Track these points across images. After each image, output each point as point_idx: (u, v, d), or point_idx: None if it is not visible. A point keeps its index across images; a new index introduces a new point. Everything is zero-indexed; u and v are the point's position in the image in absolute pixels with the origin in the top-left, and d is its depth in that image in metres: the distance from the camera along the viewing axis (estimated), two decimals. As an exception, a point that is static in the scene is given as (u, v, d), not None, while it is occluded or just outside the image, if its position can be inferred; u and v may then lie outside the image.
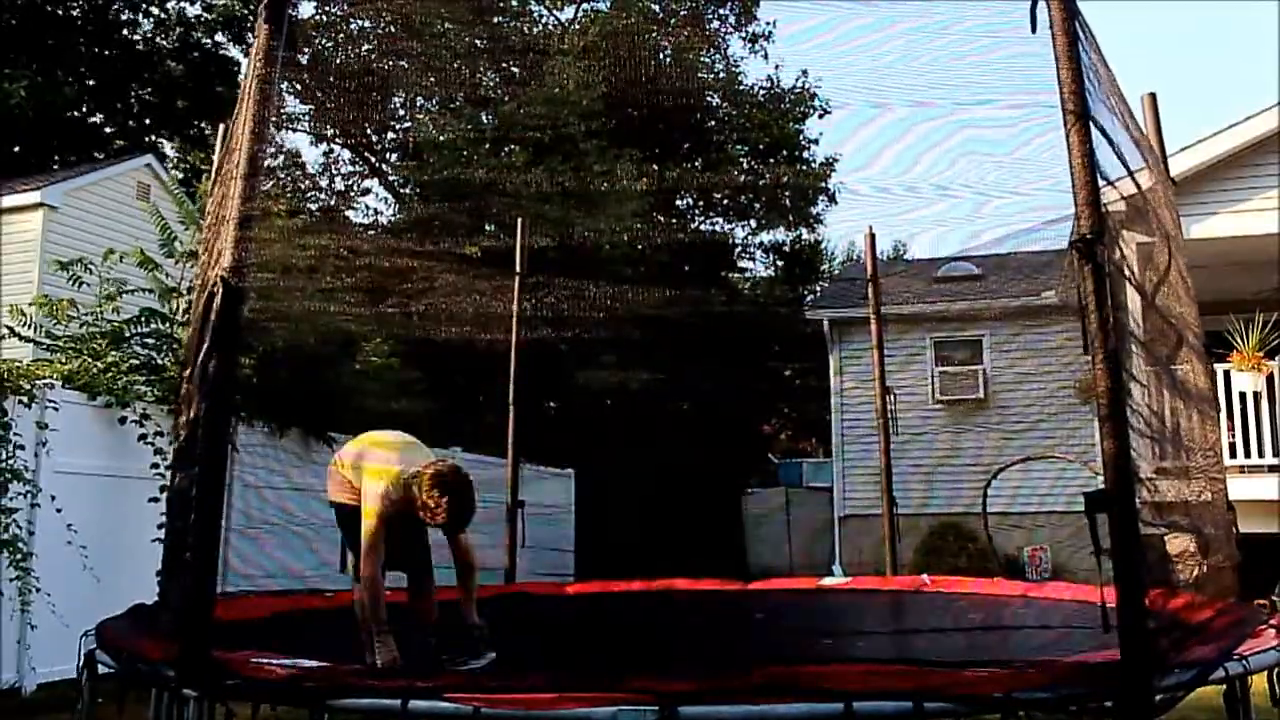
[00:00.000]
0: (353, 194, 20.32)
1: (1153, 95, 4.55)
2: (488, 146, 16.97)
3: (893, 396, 7.33)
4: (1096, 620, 3.01)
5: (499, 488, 7.36)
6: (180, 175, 16.94)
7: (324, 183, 20.10)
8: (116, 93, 19.23)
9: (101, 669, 3.18)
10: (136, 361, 8.08)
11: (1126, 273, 3.10)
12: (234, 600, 4.72)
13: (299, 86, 16.73)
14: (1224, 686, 2.96)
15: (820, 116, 20.95)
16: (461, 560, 4.29)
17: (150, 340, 8.27)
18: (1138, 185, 3.45)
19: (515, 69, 18.75)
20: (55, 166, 16.74)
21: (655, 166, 17.00)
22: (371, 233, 17.32)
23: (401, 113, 19.42)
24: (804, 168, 20.58)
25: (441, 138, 17.03)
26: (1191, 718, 3.32)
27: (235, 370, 2.87)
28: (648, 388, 14.91)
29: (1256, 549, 4.93)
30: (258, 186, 2.79)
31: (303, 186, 19.34)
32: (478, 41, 18.16)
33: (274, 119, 2.92)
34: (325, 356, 9.36)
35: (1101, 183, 2.55)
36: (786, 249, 23.12)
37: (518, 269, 7.25)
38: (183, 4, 20.01)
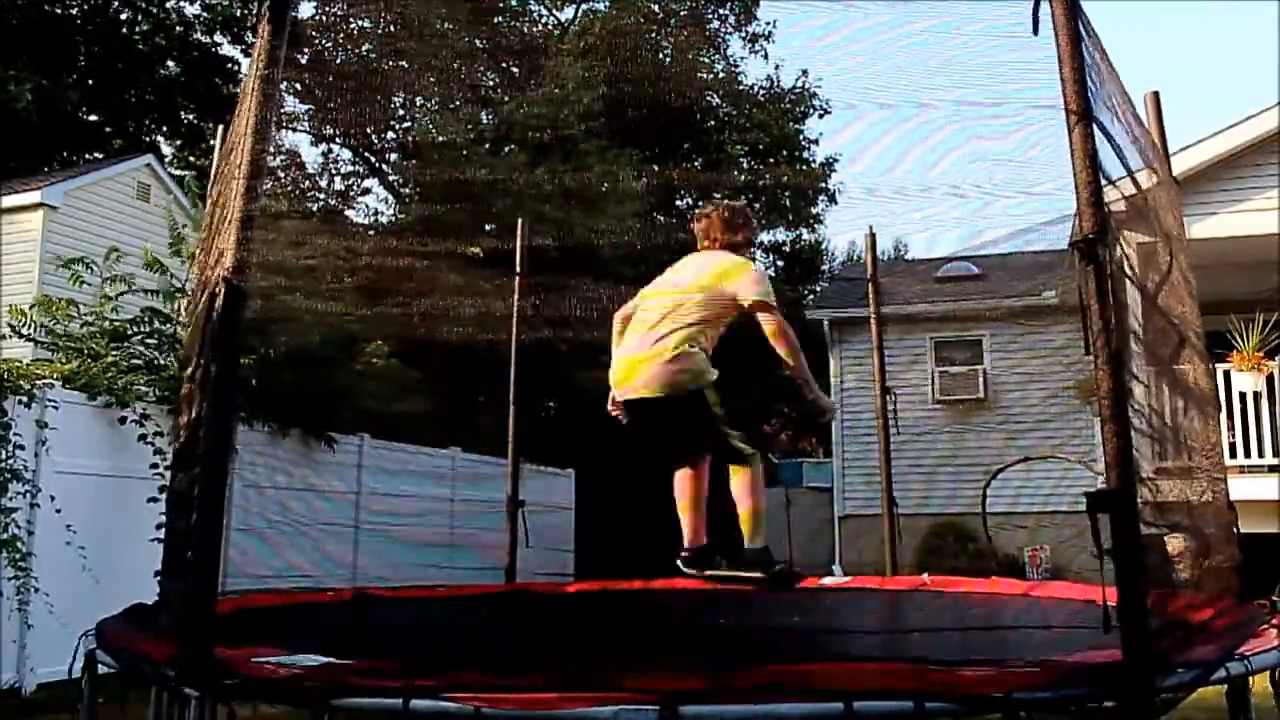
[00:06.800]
0: (353, 194, 20.33)
1: (1156, 94, 4.54)
2: (488, 146, 16.97)
3: (893, 397, 7.32)
4: (1098, 620, 3.00)
5: (499, 488, 7.36)
6: (180, 174, 16.93)
7: (324, 183, 20.11)
8: (116, 93, 19.22)
9: (102, 669, 3.18)
10: (137, 362, 8.09)
11: (1128, 272, 3.10)
12: (234, 599, 4.72)
13: (299, 86, 16.74)
14: (1225, 687, 2.95)
15: (820, 116, 20.98)
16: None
17: (152, 340, 8.28)
18: (1138, 185, 3.45)
19: (515, 69, 18.76)
20: (55, 166, 16.73)
21: (655, 166, 17.00)
22: (372, 233, 17.33)
23: (401, 113, 19.43)
24: (804, 168, 20.59)
25: (441, 138, 17.03)
26: (1191, 718, 3.32)
27: (237, 371, 2.86)
28: (648, 388, 14.84)
29: (1257, 549, 4.93)
30: (260, 187, 2.78)
31: (303, 186, 19.34)
32: (478, 41, 18.17)
33: (275, 119, 2.91)
34: (326, 357, 9.37)
35: (1103, 182, 2.55)
36: (786, 249, 23.12)
37: (518, 269, 7.23)
38: (181, 3, 20.02)
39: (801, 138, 21.06)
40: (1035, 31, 2.66)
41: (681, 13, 20.64)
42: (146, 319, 8.28)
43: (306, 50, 16.54)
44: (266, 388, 8.40)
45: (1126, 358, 2.59)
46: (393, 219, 18.71)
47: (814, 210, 21.76)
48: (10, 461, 6.58)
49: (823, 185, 20.76)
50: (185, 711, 3.01)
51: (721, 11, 21.47)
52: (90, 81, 18.92)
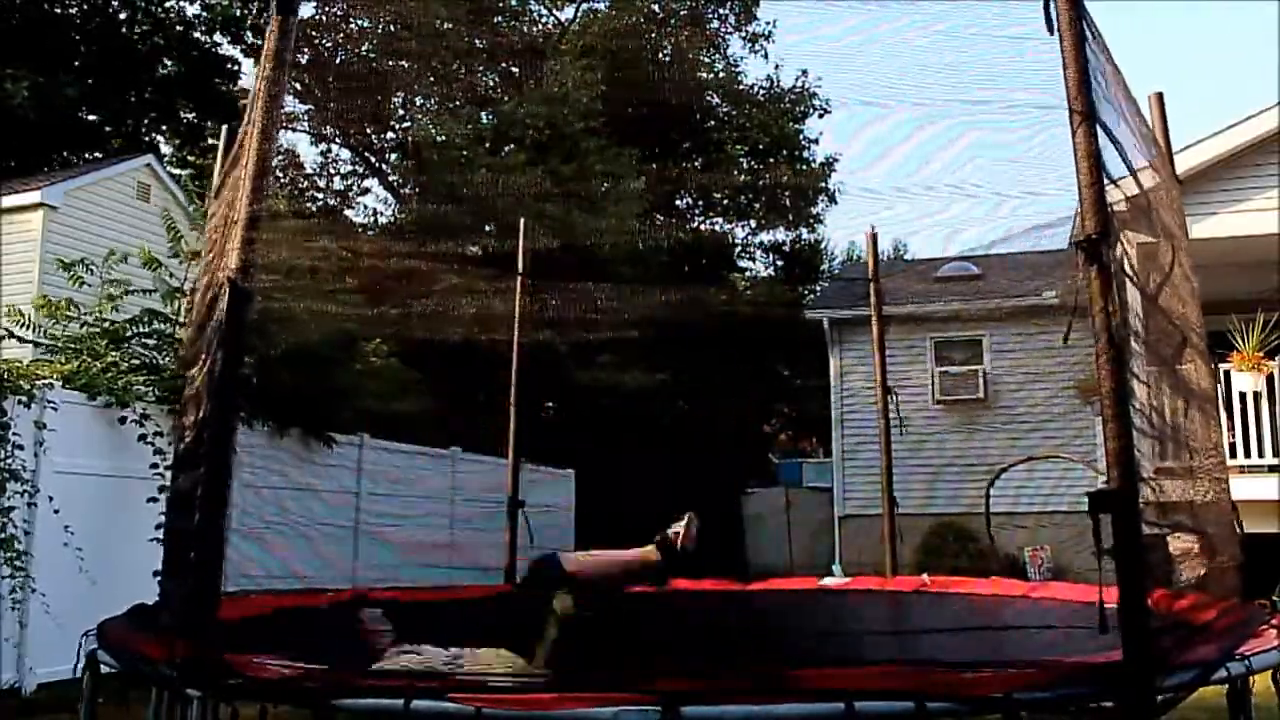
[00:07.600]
0: (352, 194, 20.32)
1: (1159, 95, 4.54)
2: (488, 146, 16.97)
3: (894, 397, 7.32)
4: (1096, 620, 3.01)
5: (499, 488, 7.37)
6: (179, 174, 16.93)
7: (323, 183, 20.10)
8: (115, 92, 19.22)
9: (103, 669, 3.17)
10: (137, 362, 8.08)
11: (1128, 271, 3.09)
12: (235, 599, 4.71)
13: (299, 86, 16.73)
14: (1225, 687, 2.95)
15: (820, 116, 21.00)
16: None
17: (150, 340, 8.27)
18: (1140, 185, 3.45)
19: (515, 69, 18.76)
20: (55, 166, 16.72)
21: (655, 166, 17.01)
22: (371, 233, 17.33)
23: (401, 113, 19.42)
24: (804, 168, 20.61)
25: (441, 138, 17.02)
26: (1191, 718, 3.31)
27: (240, 371, 2.86)
28: (648, 388, 14.90)
29: (1257, 549, 4.93)
30: (266, 188, 2.78)
31: (302, 186, 19.33)
32: (478, 41, 18.16)
33: (278, 119, 2.91)
34: (326, 357, 9.36)
35: (1106, 182, 2.55)
36: (786, 249, 23.14)
37: (519, 270, 7.24)
38: (181, 3, 20.01)
39: (801, 138, 21.07)
40: (1051, 31, 2.66)
41: (681, 13, 20.64)
42: (146, 319, 8.27)
43: (306, 50, 16.53)
44: (266, 388, 8.40)
45: (1127, 357, 2.59)
46: (393, 219, 18.71)
47: (814, 210, 21.78)
48: (9, 461, 6.58)
49: (823, 185, 20.78)
50: (186, 712, 3.01)
51: (721, 11, 21.47)
52: (89, 80, 18.90)
